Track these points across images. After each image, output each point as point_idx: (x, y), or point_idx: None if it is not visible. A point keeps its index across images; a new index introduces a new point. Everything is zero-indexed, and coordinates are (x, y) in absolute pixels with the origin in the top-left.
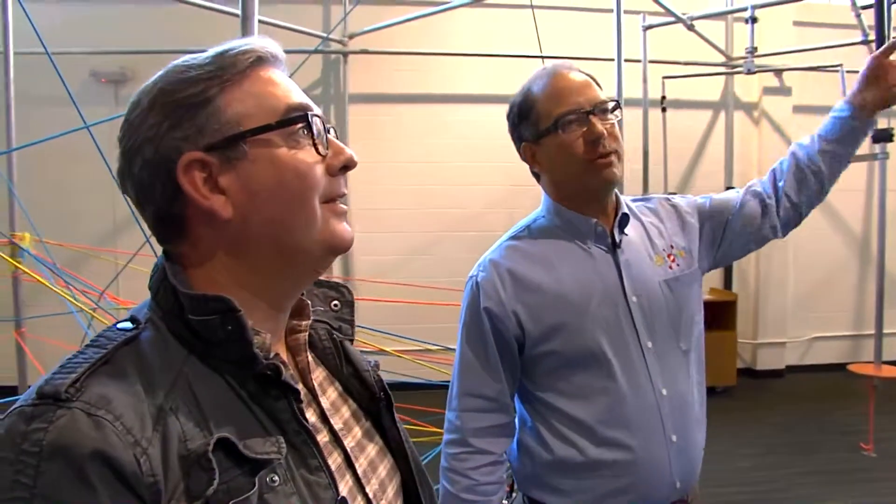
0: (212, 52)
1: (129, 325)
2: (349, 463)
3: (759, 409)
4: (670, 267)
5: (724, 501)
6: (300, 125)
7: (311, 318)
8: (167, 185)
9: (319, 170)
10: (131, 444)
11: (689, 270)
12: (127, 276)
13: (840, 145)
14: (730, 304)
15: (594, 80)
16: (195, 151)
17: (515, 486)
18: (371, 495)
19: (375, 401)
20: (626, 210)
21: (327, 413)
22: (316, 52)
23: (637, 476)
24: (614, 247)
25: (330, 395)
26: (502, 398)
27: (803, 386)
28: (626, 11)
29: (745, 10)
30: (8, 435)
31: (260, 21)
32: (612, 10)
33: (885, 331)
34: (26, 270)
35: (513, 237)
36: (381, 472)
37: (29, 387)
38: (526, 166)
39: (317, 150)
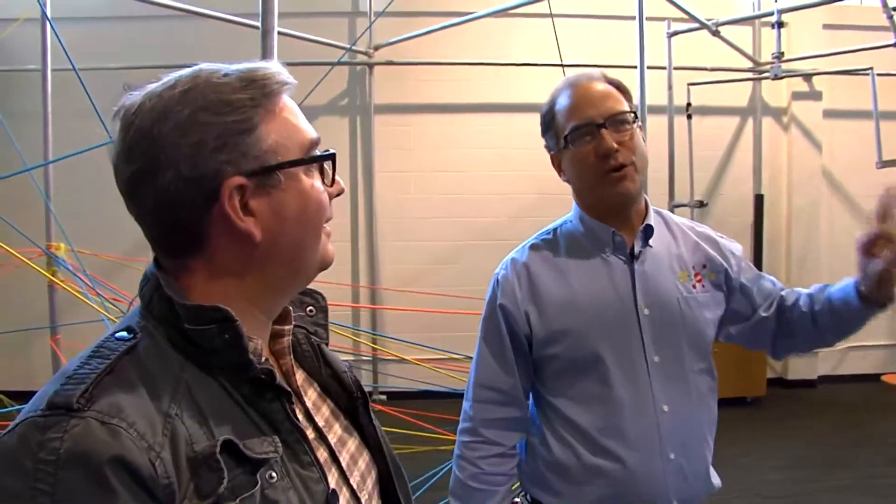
0: (239, 72)
1: (126, 334)
2: (334, 457)
3: (790, 421)
4: (694, 286)
5: None
6: (321, 163)
7: (293, 323)
8: (201, 202)
9: (327, 198)
10: (146, 449)
11: (714, 295)
12: None
13: (849, 324)
14: None
15: (621, 88)
16: (239, 177)
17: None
18: (355, 486)
19: (353, 400)
20: (651, 222)
21: (311, 411)
22: (341, 63)
23: (629, 489)
24: (632, 257)
25: (311, 395)
26: (514, 392)
27: (836, 397)
28: (650, 18)
29: (771, 14)
30: (22, 445)
31: (287, 34)
32: (634, 18)
33: None
34: (59, 283)
35: (538, 239)
36: (360, 464)
37: None
38: (552, 174)
39: (326, 182)
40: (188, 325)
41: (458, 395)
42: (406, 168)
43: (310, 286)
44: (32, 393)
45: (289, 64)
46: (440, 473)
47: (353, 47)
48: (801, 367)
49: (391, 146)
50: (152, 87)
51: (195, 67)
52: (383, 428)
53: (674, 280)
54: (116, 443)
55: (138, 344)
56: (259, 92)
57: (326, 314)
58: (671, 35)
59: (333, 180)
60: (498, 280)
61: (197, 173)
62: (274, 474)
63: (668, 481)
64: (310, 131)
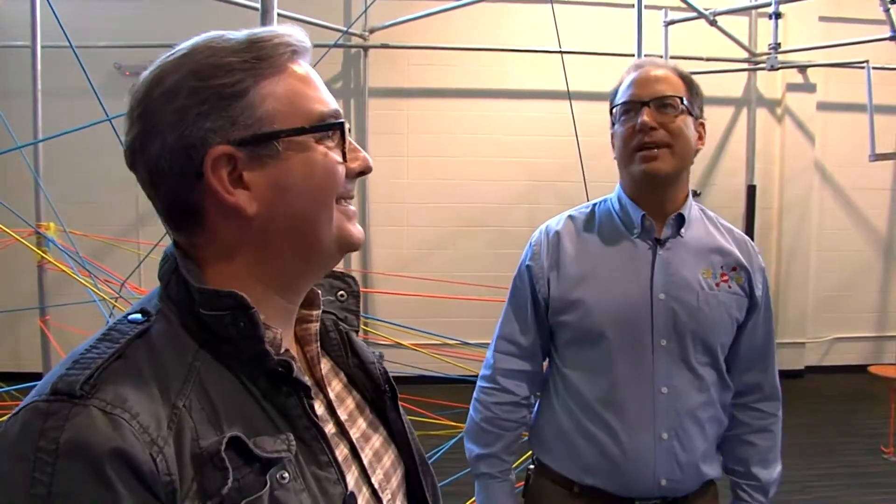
0: (244, 36)
1: (139, 316)
2: (355, 453)
3: None
4: (718, 284)
5: None
6: (332, 132)
7: (322, 308)
8: (187, 173)
9: (342, 171)
10: (148, 444)
11: (737, 297)
12: (149, 266)
13: None
14: None
15: (684, 78)
16: (225, 145)
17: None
18: (377, 485)
19: (380, 393)
20: (686, 213)
21: (334, 404)
22: (337, 46)
23: (619, 460)
24: (658, 243)
25: (335, 387)
26: (531, 348)
27: (823, 387)
28: (648, 7)
29: (769, 5)
30: (24, 432)
31: (281, 15)
32: (633, 6)
33: None
34: (51, 260)
35: (577, 210)
36: (385, 462)
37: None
38: (545, 161)
39: (344, 155)
40: (203, 310)
41: (452, 381)
42: (399, 153)
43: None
44: (20, 374)
45: None
46: (432, 459)
47: (341, 28)
48: (789, 357)
49: (385, 130)
50: (164, 55)
51: (204, 35)
52: None
53: (697, 273)
54: (118, 435)
55: (152, 328)
56: (256, 54)
57: (358, 300)
58: (668, 24)
59: (345, 153)
60: (531, 243)
61: (182, 142)
62: (286, 475)
63: (658, 460)
64: (322, 101)
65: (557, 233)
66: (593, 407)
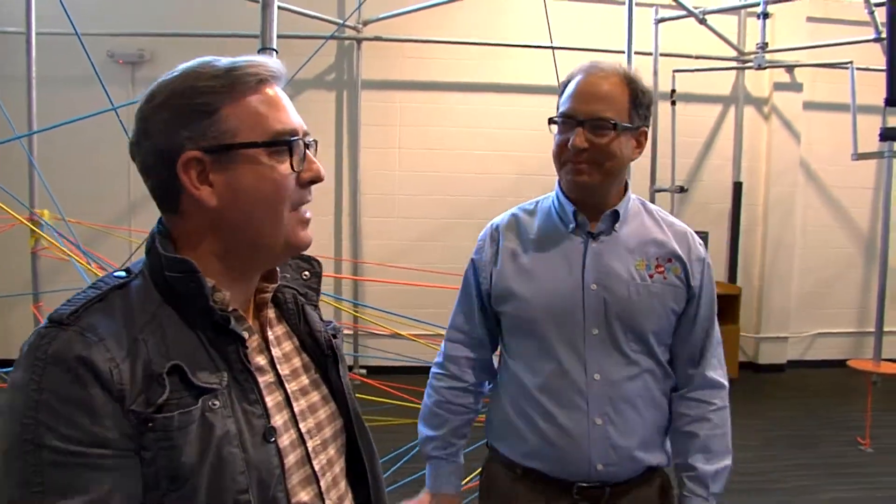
0: (225, 64)
1: (123, 273)
2: (288, 402)
3: (760, 403)
4: (651, 275)
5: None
6: (282, 147)
7: (278, 282)
8: (168, 170)
9: (291, 181)
10: (108, 360)
11: (674, 287)
12: (139, 254)
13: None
14: (734, 298)
15: (630, 86)
16: (195, 151)
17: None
18: (304, 430)
19: (324, 357)
20: (621, 209)
21: (276, 360)
22: (331, 37)
23: (555, 444)
24: (589, 237)
25: (285, 347)
26: (477, 336)
27: (804, 381)
28: (638, 4)
29: (757, 4)
30: (29, 348)
31: (281, 8)
32: (624, 3)
33: (886, 329)
34: (54, 242)
35: (520, 208)
36: (320, 414)
37: None
38: (532, 155)
39: (292, 166)
40: (167, 272)
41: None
42: (391, 145)
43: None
44: (11, 362)
45: (283, 36)
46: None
47: (337, 20)
48: (772, 351)
49: (377, 122)
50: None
51: (201, 59)
52: (366, 398)
53: (630, 265)
54: (86, 350)
55: (131, 282)
56: (229, 80)
57: (320, 279)
58: (658, 21)
59: (300, 165)
60: (479, 238)
61: (164, 146)
62: (217, 402)
63: (592, 444)
64: (284, 121)
65: (499, 229)
66: (532, 393)
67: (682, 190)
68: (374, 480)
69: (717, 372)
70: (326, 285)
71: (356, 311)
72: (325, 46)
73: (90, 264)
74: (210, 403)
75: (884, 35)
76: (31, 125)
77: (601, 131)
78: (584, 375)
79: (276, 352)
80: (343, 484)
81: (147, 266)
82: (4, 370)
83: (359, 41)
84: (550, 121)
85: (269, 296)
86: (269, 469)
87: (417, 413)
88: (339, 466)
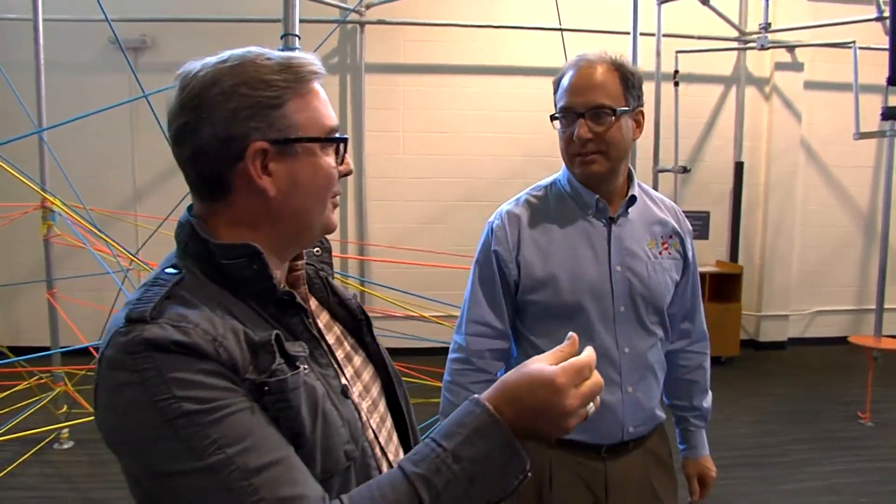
0: (280, 58)
1: (173, 270)
2: (341, 370)
3: (761, 380)
4: (660, 252)
5: (726, 465)
6: (335, 143)
7: (304, 260)
8: (228, 157)
9: (336, 173)
10: (210, 341)
11: (675, 261)
12: (144, 239)
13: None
14: (735, 277)
15: (622, 75)
16: (263, 142)
17: None
18: (357, 393)
19: (357, 322)
20: (636, 192)
21: (323, 331)
22: (336, 21)
23: (595, 415)
24: (611, 221)
25: (322, 319)
26: (502, 328)
27: (805, 358)
28: None
29: None
30: (117, 350)
31: None
32: None
33: (886, 306)
34: (65, 233)
35: (530, 194)
36: (364, 377)
37: (61, 346)
38: (537, 137)
39: (339, 162)
40: (223, 260)
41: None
42: (395, 128)
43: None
44: (20, 349)
45: (278, 20)
46: (431, 423)
47: (345, 5)
48: (773, 329)
49: (381, 106)
50: (210, 59)
51: (246, 49)
52: None
53: (644, 245)
54: (185, 336)
55: (184, 278)
56: (292, 76)
57: (330, 253)
58: (661, 2)
59: (343, 160)
60: (492, 228)
61: (230, 133)
62: (306, 367)
63: (626, 410)
64: (331, 118)
65: (518, 216)
66: None
67: (685, 170)
68: (414, 436)
69: (704, 324)
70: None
71: (363, 288)
72: (328, 30)
73: (110, 244)
74: (303, 369)
75: (886, 13)
76: (40, 114)
77: (602, 119)
78: (616, 350)
79: (320, 324)
80: (395, 439)
81: (188, 259)
82: (24, 357)
83: (362, 25)
84: (552, 118)
85: (301, 272)
86: (354, 422)
87: (422, 391)
88: (389, 422)
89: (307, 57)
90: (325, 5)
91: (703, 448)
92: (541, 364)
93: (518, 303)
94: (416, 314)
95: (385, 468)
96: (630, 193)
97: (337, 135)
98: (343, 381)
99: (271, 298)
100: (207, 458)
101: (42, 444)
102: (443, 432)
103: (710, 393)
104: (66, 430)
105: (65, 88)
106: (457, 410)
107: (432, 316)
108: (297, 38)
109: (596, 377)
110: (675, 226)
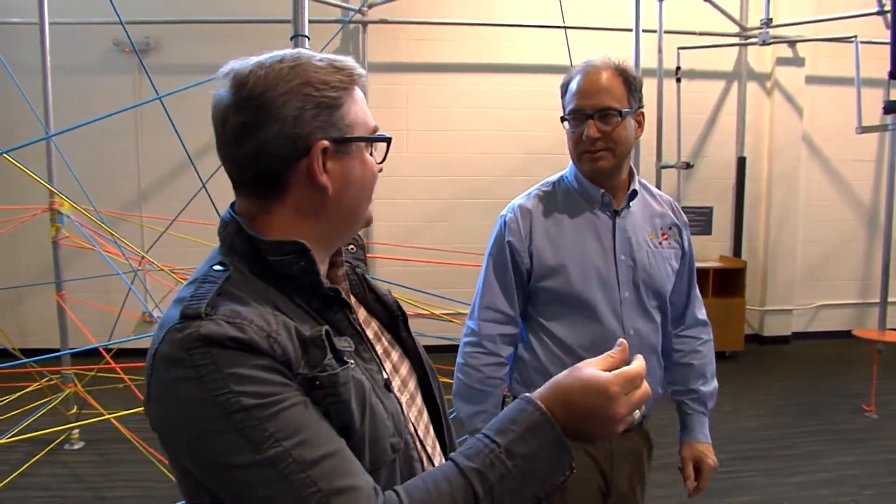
0: (329, 60)
1: (221, 267)
2: (381, 365)
3: (766, 374)
4: (660, 243)
5: (731, 458)
6: (380, 142)
7: (344, 256)
8: (291, 154)
9: (377, 171)
10: (265, 337)
11: (674, 250)
12: (149, 240)
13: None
14: (739, 272)
15: (626, 79)
16: (326, 140)
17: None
18: (396, 387)
19: (394, 318)
20: (637, 188)
21: (363, 325)
22: (339, 21)
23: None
24: (615, 214)
25: (361, 314)
26: (513, 314)
27: (809, 352)
28: None
29: None
30: (173, 346)
31: None
32: None
33: (890, 299)
34: (72, 234)
35: (540, 189)
36: (402, 371)
37: (71, 347)
38: (540, 135)
39: (382, 160)
40: (270, 256)
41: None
42: (398, 127)
43: None
44: (27, 351)
45: (286, 21)
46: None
47: (347, 5)
48: (777, 324)
49: (384, 104)
50: (260, 58)
51: (294, 50)
52: None
53: (645, 236)
54: (240, 332)
55: (231, 275)
56: (347, 78)
57: (364, 251)
58: None
59: (384, 160)
60: (506, 221)
61: (296, 132)
62: (352, 362)
63: None
64: (372, 118)
65: (529, 210)
66: (578, 353)
67: (687, 166)
68: (448, 430)
69: (701, 311)
70: None
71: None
72: (331, 30)
73: (119, 246)
74: (351, 363)
75: (887, 7)
76: (47, 117)
77: (609, 119)
78: (623, 333)
79: (359, 319)
80: (432, 432)
81: (234, 256)
82: (35, 359)
83: (364, 24)
84: (562, 119)
85: (342, 269)
86: (397, 415)
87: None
88: (426, 416)
89: (349, 60)
90: (328, 5)
91: (700, 434)
92: (594, 370)
93: (530, 289)
94: (424, 312)
95: (426, 461)
96: (632, 188)
97: (384, 135)
98: (385, 375)
99: (317, 294)
100: (266, 452)
101: (53, 444)
102: (495, 428)
103: (712, 381)
104: (76, 431)
105: (69, 91)
106: (508, 407)
107: (436, 312)
108: (306, 39)
109: (645, 387)
110: (674, 218)
